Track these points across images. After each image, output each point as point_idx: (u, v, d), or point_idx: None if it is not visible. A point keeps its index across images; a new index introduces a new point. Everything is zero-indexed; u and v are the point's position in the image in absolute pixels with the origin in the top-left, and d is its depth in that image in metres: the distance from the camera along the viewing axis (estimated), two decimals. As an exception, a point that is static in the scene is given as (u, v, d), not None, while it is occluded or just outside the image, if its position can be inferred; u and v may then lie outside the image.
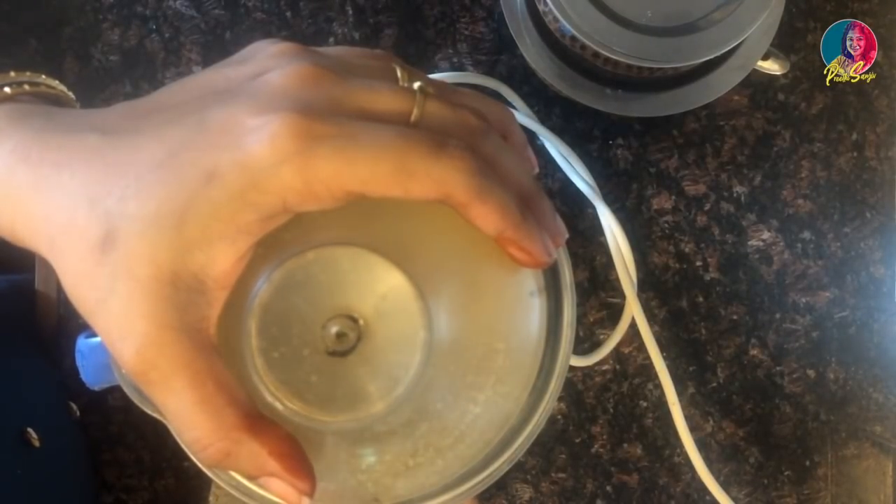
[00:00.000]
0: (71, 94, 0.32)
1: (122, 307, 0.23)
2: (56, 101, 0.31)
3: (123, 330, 0.24)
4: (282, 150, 0.23)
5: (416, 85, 0.27)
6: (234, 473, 0.31)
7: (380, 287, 0.28)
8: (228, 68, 0.27)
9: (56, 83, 0.31)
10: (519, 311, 0.31)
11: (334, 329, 0.28)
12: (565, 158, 0.45)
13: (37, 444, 0.39)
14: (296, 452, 0.26)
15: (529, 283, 0.31)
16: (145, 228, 0.23)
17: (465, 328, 0.30)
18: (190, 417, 0.24)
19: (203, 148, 0.24)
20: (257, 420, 0.25)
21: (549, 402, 0.31)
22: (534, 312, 0.32)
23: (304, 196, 0.24)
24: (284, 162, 0.23)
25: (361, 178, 0.24)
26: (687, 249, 0.47)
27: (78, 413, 0.44)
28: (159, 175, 0.24)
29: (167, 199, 0.24)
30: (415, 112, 0.26)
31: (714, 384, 0.46)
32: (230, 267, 0.25)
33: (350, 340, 0.28)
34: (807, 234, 0.46)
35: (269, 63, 0.26)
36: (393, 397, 0.29)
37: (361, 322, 0.28)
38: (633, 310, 0.44)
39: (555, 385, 0.32)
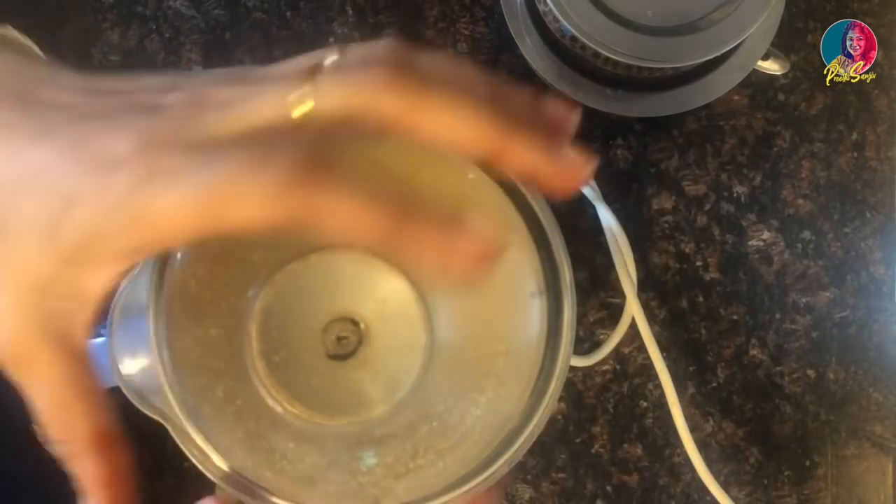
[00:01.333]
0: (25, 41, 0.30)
1: None
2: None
3: None
4: (123, 187, 0.22)
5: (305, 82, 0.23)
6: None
7: (380, 291, 0.28)
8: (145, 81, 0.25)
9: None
10: (519, 313, 0.31)
11: (335, 333, 0.28)
12: (565, 159, 0.45)
13: (42, 440, 0.39)
14: (121, 486, 0.26)
15: (530, 284, 0.31)
16: (25, 233, 0.23)
17: (466, 331, 0.30)
18: (45, 413, 0.25)
19: (69, 170, 0.23)
20: (105, 439, 0.25)
21: (549, 403, 0.31)
22: (534, 314, 0.31)
23: (155, 235, 0.23)
24: (126, 201, 0.22)
25: (190, 216, 0.22)
26: (687, 249, 0.47)
27: None
28: (35, 186, 0.23)
29: (39, 215, 0.23)
30: (295, 112, 0.23)
31: (714, 384, 0.46)
32: (103, 284, 0.24)
33: (351, 344, 0.29)
34: (807, 234, 0.46)
35: (169, 83, 0.24)
36: (394, 400, 0.29)
37: (362, 326, 0.28)
38: (633, 310, 0.44)
39: (555, 386, 0.31)
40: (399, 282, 0.28)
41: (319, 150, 0.22)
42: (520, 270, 0.31)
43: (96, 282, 0.24)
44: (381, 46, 0.23)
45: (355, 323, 0.28)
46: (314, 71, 0.23)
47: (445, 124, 0.22)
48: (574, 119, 0.24)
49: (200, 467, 0.31)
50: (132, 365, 0.31)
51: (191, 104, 0.23)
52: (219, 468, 0.31)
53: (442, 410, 0.30)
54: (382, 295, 0.28)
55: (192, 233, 0.22)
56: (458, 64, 0.24)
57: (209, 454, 0.31)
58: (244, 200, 0.21)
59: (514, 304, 0.31)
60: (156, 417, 0.31)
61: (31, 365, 0.24)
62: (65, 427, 0.25)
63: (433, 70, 0.23)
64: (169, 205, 0.22)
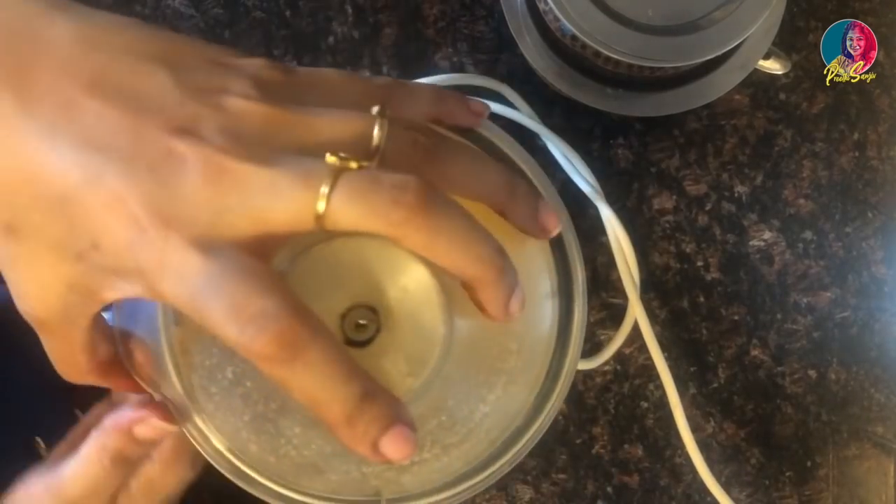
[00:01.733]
0: None
1: (28, 275, 0.26)
2: None
3: (29, 291, 0.27)
4: (137, 259, 0.25)
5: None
6: (227, 454, 0.31)
7: (402, 279, 0.28)
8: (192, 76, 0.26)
9: None
10: (533, 312, 0.31)
11: (354, 319, 0.28)
12: (567, 159, 0.45)
13: (44, 454, 0.39)
14: (124, 379, 0.31)
15: (545, 285, 0.31)
16: (49, 248, 0.25)
17: (482, 327, 0.30)
18: (55, 359, 0.30)
19: (88, 206, 0.24)
20: (102, 368, 0.30)
21: (554, 404, 0.31)
22: (546, 314, 0.31)
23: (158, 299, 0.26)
24: (140, 269, 0.25)
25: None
26: (688, 249, 0.46)
27: None
28: (57, 212, 0.25)
29: (63, 241, 0.25)
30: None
31: (715, 385, 0.46)
32: (116, 298, 0.27)
33: (369, 331, 0.28)
34: (808, 234, 0.46)
35: (184, 118, 0.25)
36: (408, 391, 0.28)
37: (382, 313, 0.28)
38: (636, 312, 0.43)
39: (561, 387, 0.31)
40: (421, 270, 0.28)
41: (302, 310, 0.24)
42: (536, 271, 0.31)
43: (109, 296, 0.27)
44: (412, 179, 0.25)
45: (375, 310, 0.28)
46: (337, 176, 0.24)
47: (451, 260, 0.25)
48: (557, 229, 0.31)
49: (199, 448, 0.31)
50: (136, 343, 0.31)
51: (208, 176, 0.24)
52: (218, 450, 0.31)
53: (452, 405, 0.30)
54: (404, 283, 0.28)
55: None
56: (480, 171, 0.29)
57: (208, 436, 0.31)
58: (228, 341, 0.24)
59: (529, 304, 0.31)
60: (157, 396, 0.31)
61: (49, 330, 0.28)
62: (70, 369, 0.30)
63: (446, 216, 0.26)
64: (172, 297, 0.24)
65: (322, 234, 0.25)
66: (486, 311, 0.27)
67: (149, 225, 0.24)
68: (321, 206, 0.24)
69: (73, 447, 0.33)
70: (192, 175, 0.24)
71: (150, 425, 0.31)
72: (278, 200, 0.24)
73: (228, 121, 0.25)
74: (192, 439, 0.31)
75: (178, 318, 0.30)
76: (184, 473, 0.35)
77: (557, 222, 0.30)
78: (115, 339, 0.31)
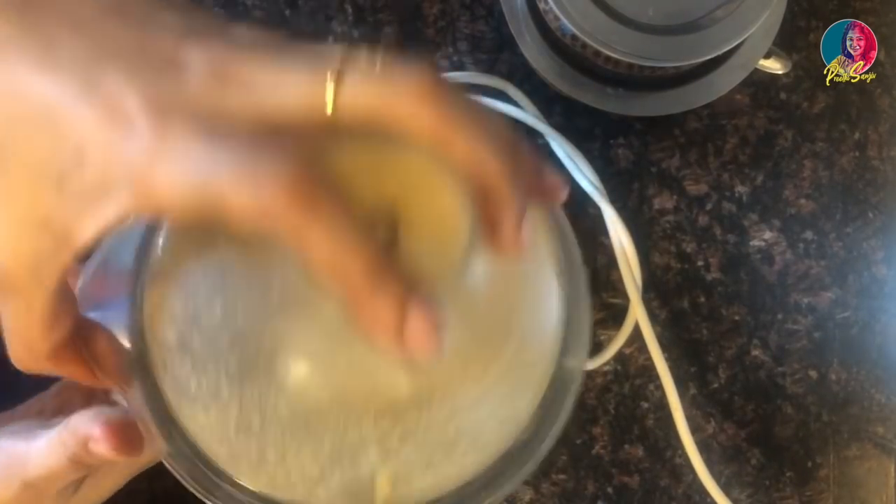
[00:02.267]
0: None
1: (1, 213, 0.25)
2: None
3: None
4: (132, 153, 0.23)
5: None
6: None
7: (423, 186, 0.26)
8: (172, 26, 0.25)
9: None
10: (546, 289, 0.30)
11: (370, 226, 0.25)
12: (571, 159, 0.45)
13: None
14: (81, 369, 0.29)
15: (554, 263, 0.31)
16: (29, 175, 0.24)
17: (497, 272, 0.28)
18: (13, 328, 0.27)
19: (79, 116, 0.23)
20: (59, 353, 0.28)
21: (564, 414, 0.30)
22: (554, 296, 0.31)
23: (152, 204, 0.23)
24: (133, 167, 0.23)
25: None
26: (688, 249, 0.46)
27: None
28: (42, 128, 0.23)
29: (47, 162, 0.24)
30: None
31: (716, 385, 0.46)
32: (93, 235, 0.25)
33: (386, 240, 0.25)
34: (809, 234, 0.46)
35: (191, 29, 0.25)
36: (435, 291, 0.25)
37: (400, 220, 0.26)
38: (637, 313, 0.43)
39: (570, 400, 0.31)
40: (443, 177, 0.25)
41: (315, 166, 0.23)
42: (542, 246, 0.31)
43: (87, 232, 0.24)
44: (418, 66, 0.24)
45: (393, 218, 0.25)
46: (345, 63, 0.23)
47: (470, 148, 0.24)
48: (564, 193, 0.28)
49: (169, 466, 0.29)
50: (99, 332, 0.29)
51: (212, 75, 0.23)
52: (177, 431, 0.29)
53: (469, 347, 0.28)
54: (424, 188, 0.26)
55: (184, 212, 0.23)
56: (485, 121, 0.26)
57: (177, 403, 0.28)
58: (240, 207, 0.22)
59: (539, 276, 0.30)
60: (116, 389, 0.30)
61: (14, 288, 0.26)
62: (24, 350, 0.27)
63: (463, 101, 0.24)
64: (170, 184, 0.23)
65: (332, 141, 0.24)
66: (496, 236, 0.25)
67: (145, 119, 0.23)
68: (330, 94, 0.23)
69: (43, 414, 0.33)
70: (195, 73, 0.23)
71: (104, 448, 0.30)
72: (287, 88, 0.23)
73: (236, 40, 0.25)
74: (166, 463, 0.29)
75: (164, 264, 0.28)
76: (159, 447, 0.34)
77: (564, 186, 0.28)
78: (76, 320, 0.29)
